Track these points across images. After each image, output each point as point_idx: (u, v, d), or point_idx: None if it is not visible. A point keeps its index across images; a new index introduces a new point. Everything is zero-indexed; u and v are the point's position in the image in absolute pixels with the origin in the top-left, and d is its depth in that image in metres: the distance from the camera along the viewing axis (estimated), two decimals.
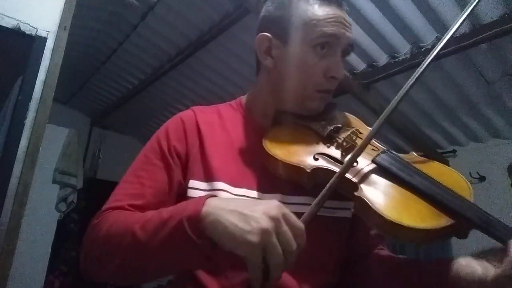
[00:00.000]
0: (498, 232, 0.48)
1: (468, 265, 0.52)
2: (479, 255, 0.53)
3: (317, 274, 0.65)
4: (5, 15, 1.40)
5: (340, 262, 0.71)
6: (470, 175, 2.90)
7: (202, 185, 0.66)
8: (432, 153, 3.03)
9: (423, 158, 0.65)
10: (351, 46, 0.72)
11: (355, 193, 0.56)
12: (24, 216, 1.33)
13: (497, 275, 0.48)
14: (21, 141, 1.35)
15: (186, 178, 0.68)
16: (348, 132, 0.69)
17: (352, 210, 0.59)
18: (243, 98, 0.81)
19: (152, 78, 3.26)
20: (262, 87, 0.77)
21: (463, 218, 0.51)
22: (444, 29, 2.02)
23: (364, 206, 0.55)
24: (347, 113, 0.78)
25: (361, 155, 0.60)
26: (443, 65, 2.26)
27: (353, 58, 2.40)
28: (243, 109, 0.79)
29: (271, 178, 0.67)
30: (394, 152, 0.64)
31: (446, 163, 3.13)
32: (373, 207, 0.53)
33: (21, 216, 1.32)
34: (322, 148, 0.66)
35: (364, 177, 0.59)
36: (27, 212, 1.34)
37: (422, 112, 2.76)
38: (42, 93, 1.41)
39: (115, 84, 3.72)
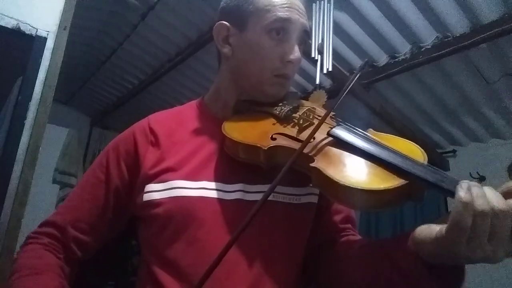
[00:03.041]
0: (453, 188, 0.46)
1: (427, 227, 0.49)
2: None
3: (281, 264, 0.66)
4: (5, 15, 1.40)
5: (307, 250, 0.71)
6: (470, 175, 2.90)
7: (157, 186, 0.67)
8: (432, 153, 3.03)
9: (380, 133, 0.66)
10: (307, 34, 0.74)
11: (311, 165, 0.58)
12: (24, 216, 1.33)
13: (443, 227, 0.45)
14: (21, 141, 1.35)
15: (139, 186, 0.69)
16: (304, 110, 0.71)
17: (311, 185, 0.59)
18: (205, 96, 0.83)
19: (152, 78, 3.26)
20: (222, 77, 0.79)
21: (415, 177, 0.51)
22: (444, 29, 2.03)
23: (319, 176, 0.56)
24: (305, 100, 0.80)
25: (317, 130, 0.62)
26: (443, 65, 2.26)
27: (353, 58, 2.41)
28: (204, 104, 0.80)
29: (233, 168, 0.68)
30: (349, 125, 0.66)
31: (446, 163, 3.13)
32: (327, 174, 0.55)
33: (21, 216, 1.32)
34: (279, 128, 0.68)
35: (319, 150, 0.61)
36: (27, 212, 1.34)
37: (422, 112, 2.76)
38: (42, 93, 1.41)
39: (115, 84, 3.72)
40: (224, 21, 0.74)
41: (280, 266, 0.65)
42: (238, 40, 0.73)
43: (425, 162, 0.54)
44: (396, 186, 0.51)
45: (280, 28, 0.69)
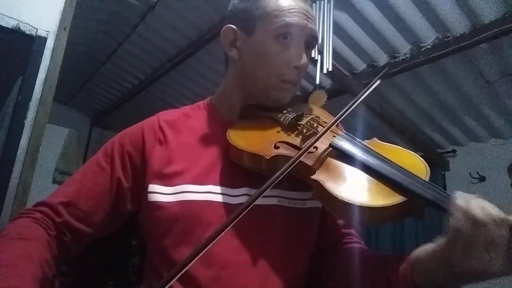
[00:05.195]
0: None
1: (425, 245, 0.52)
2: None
3: (288, 269, 0.66)
4: (5, 15, 1.40)
5: (311, 254, 0.72)
6: (470, 175, 2.90)
7: (165, 189, 0.67)
8: (432, 153, 3.03)
9: (384, 143, 0.66)
10: (315, 39, 0.73)
11: (311, 177, 0.57)
12: None
13: (443, 242, 0.48)
14: (21, 141, 1.35)
15: (142, 183, 0.69)
16: (308, 119, 0.70)
17: (312, 195, 0.60)
18: (212, 97, 0.82)
19: (152, 78, 3.26)
20: (229, 81, 0.78)
21: (415, 195, 0.51)
22: (444, 29, 2.03)
23: (319, 188, 0.56)
24: (313, 105, 0.79)
25: (320, 140, 0.62)
26: (443, 65, 2.26)
27: (353, 58, 2.41)
28: (211, 107, 0.80)
29: (239, 172, 0.68)
30: (353, 136, 0.66)
31: (446, 163, 3.13)
32: (326, 188, 0.54)
33: None
34: (283, 136, 0.68)
35: (321, 161, 0.61)
36: None
37: (422, 112, 2.76)
38: (42, 93, 1.40)
39: (115, 84, 3.72)
40: (232, 24, 0.74)
41: (286, 270, 0.65)
42: (245, 44, 0.72)
43: (427, 178, 0.54)
44: (394, 203, 0.51)
45: (287, 33, 0.69)
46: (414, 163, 0.58)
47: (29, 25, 1.44)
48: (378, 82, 0.71)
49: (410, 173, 0.54)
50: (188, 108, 0.81)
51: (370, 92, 0.69)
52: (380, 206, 0.51)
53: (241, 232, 0.64)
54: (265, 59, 0.70)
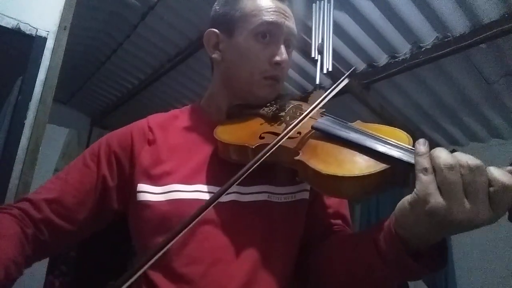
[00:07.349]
0: None
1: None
2: None
3: (277, 262, 0.66)
4: (5, 15, 1.40)
5: (299, 247, 0.72)
6: None
7: (154, 189, 0.68)
8: None
9: (368, 123, 0.66)
10: (294, 37, 0.76)
11: (295, 158, 0.59)
12: None
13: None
14: (21, 141, 1.35)
15: (130, 183, 0.70)
16: (290, 107, 0.73)
17: (297, 178, 0.61)
18: (201, 100, 0.84)
19: (152, 78, 3.27)
20: (215, 83, 0.80)
21: (396, 161, 0.52)
22: (444, 29, 2.03)
23: (303, 168, 0.57)
24: (297, 100, 0.80)
25: (302, 125, 0.63)
26: (443, 65, 2.26)
27: (353, 58, 2.41)
28: (199, 109, 0.82)
29: (227, 171, 0.67)
30: (336, 118, 0.67)
31: None
32: (310, 165, 0.56)
33: None
34: (267, 127, 0.70)
35: (304, 143, 0.63)
36: None
37: (422, 112, 2.76)
38: (42, 93, 1.40)
39: (115, 84, 3.73)
40: (214, 28, 0.77)
41: (275, 267, 0.66)
42: (227, 45, 0.75)
43: (410, 146, 0.55)
44: (377, 171, 0.52)
45: (266, 31, 0.72)
46: (396, 135, 0.59)
47: (29, 25, 1.44)
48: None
49: (391, 141, 0.55)
50: (178, 110, 0.83)
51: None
52: (364, 174, 0.52)
53: (230, 229, 0.65)
54: (247, 58, 0.72)
